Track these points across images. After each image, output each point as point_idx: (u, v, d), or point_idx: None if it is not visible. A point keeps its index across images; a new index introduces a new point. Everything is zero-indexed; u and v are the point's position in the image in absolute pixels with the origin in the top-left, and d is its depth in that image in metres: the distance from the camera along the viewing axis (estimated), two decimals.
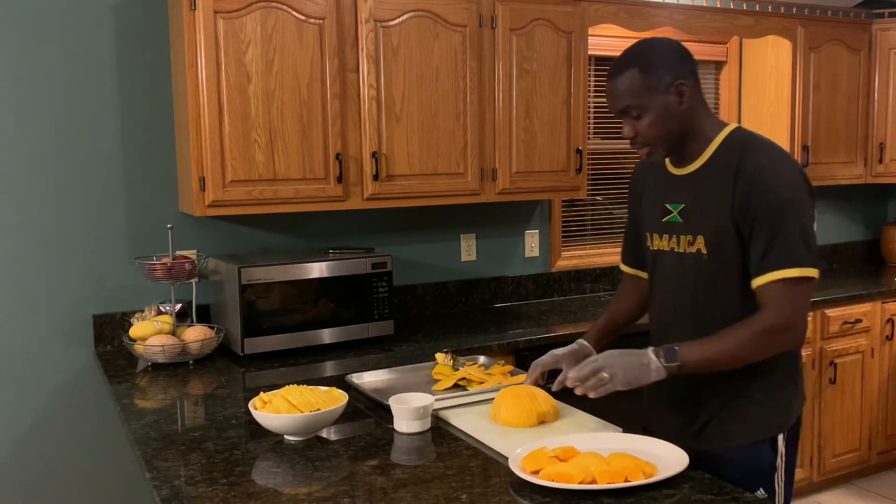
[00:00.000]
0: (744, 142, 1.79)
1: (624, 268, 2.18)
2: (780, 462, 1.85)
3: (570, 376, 1.76)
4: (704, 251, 1.81)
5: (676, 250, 1.88)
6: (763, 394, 1.83)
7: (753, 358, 1.74)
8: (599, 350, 2.01)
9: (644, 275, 2.08)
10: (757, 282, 1.72)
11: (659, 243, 1.93)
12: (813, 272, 1.70)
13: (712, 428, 1.87)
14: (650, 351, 1.74)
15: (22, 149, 2.78)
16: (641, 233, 2.02)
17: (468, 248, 3.56)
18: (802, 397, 1.91)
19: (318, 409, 1.85)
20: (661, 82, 1.74)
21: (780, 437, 1.85)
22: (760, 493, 1.82)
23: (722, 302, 1.82)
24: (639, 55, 1.77)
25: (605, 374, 1.71)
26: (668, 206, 1.89)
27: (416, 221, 3.44)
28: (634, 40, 4.10)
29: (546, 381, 2.02)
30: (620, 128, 3.95)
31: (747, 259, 1.75)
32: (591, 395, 1.74)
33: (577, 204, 3.90)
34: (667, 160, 1.91)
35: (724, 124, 1.84)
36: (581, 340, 2.08)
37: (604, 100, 3.91)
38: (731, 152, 1.78)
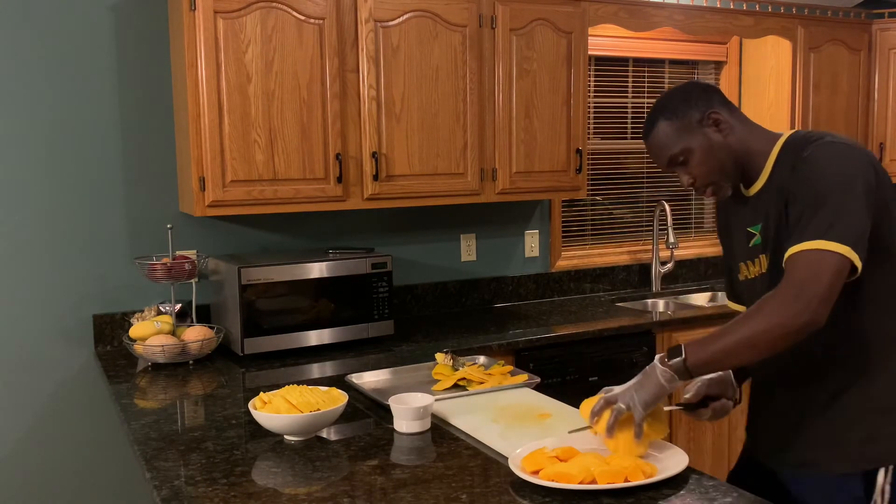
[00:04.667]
0: (798, 143, 1.68)
1: (728, 303, 1.99)
2: (878, 502, 1.61)
3: (589, 416, 1.66)
4: (767, 268, 1.70)
5: (762, 272, 1.75)
6: (858, 420, 1.63)
7: (768, 340, 1.52)
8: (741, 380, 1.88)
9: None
10: (785, 256, 1.56)
11: (753, 269, 1.79)
12: (840, 247, 1.50)
13: (796, 450, 1.71)
14: (656, 358, 1.62)
15: (22, 149, 2.78)
16: (734, 266, 1.87)
17: (468, 248, 3.56)
18: None
19: (318, 409, 1.84)
20: (693, 119, 1.70)
21: (882, 471, 1.61)
22: None
23: None
24: (661, 107, 1.73)
25: (621, 406, 1.60)
26: (749, 230, 1.77)
27: (416, 221, 3.43)
28: (634, 40, 4.12)
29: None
30: (621, 128, 3.95)
31: None
32: (634, 429, 1.60)
33: (577, 204, 3.90)
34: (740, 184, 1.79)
35: (779, 135, 1.74)
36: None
37: (604, 99, 3.93)
38: (787, 157, 1.68)
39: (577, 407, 1.97)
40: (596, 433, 1.66)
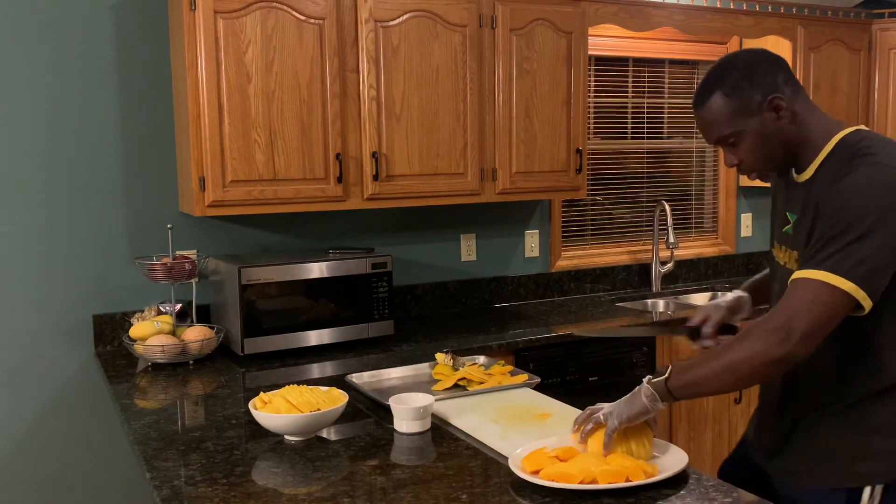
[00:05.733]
0: (852, 149, 1.56)
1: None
2: None
3: (575, 426, 1.68)
4: (795, 269, 1.58)
5: (787, 266, 1.69)
6: (853, 436, 1.60)
7: (747, 369, 1.49)
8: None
9: None
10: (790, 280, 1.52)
11: (779, 254, 1.74)
12: (844, 283, 1.44)
13: (786, 457, 1.70)
14: (644, 380, 1.61)
15: (22, 149, 2.78)
16: (772, 241, 1.81)
17: (468, 248, 3.56)
18: None
19: (318, 409, 1.85)
20: (753, 102, 1.57)
21: (867, 490, 1.58)
22: None
23: None
24: (720, 76, 1.59)
25: (600, 415, 1.62)
26: (788, 214, 1.69)
27: (416, 221, 3.43)
28: (634, 40, 4.12)
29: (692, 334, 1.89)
30: (621, 128, 3.95)
31: None
32: (591, 439, 1.62)
33: (577, 204, 3.90)
34: None
35: (840, 127, 1.63)
36: (739, 292, 1.90)
37: (604, 99, 3.93)
38: (836, 161, 1.57)
39: (577, 407, 1.98)
40: (573, 440, 1.69)
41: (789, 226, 1.69)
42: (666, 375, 1.58)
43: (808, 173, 1.63)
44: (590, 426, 1.64)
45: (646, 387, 1.59)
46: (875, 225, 1.45)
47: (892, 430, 1.59)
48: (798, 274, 1.50)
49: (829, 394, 1.63)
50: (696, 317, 1.89)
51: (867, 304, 1.47)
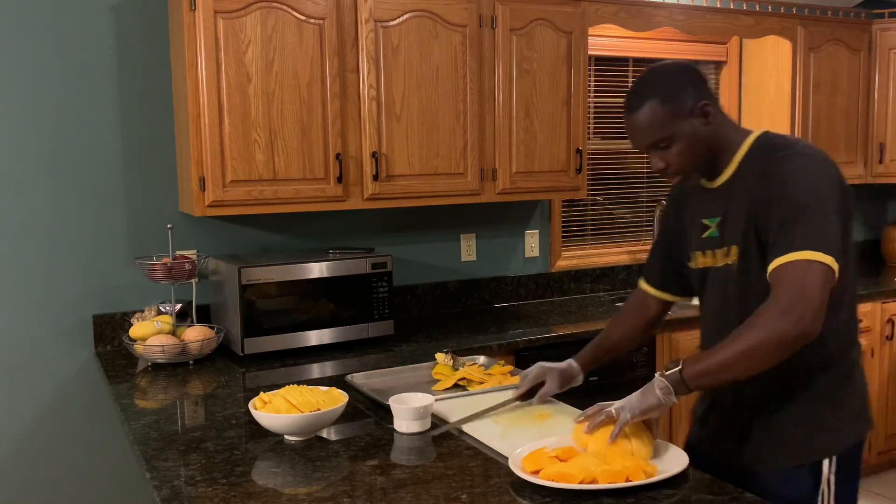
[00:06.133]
0: (769, 146, 1.71)
1: (645, 286, 2.05)
2: (825, 491, 1.70)
3: (583, 420, 1.69)
4: (736, 261, 1.73)
5: (716, 265, 1.80)
6: (806, 413, 1.71)
7: (762, 350, 1.53)
8: (587, 372, 2.03)
9: (667, 297, 2.01)
10: (770, 267, 1.59)
11: (703, 260, 1.84)
12: (826, 258, 1.53)
13: (750, 446, 1.77)
14: (657, 374, 1.64)
15: (22, 148, 2.78)
16: (682, 252, 1.91)
17: (468, 248, 3.56)
18: (865, 422, 1.76)
19: (318, 409, 1.84)
20: (685, 107, 1.68)
21: (825, 462, 1.70)
22: None
23: None
24: (655, 83, 1.70)
25: (611, 410, 1.63)
26: (704, 221, 1.82)
27: (416, 221, 3.43)
28: (634, 40, 4.11)
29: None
30: (621, 128, 3.94)
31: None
32: (591, 439, 1.64)
33: (577, 204, 3.90)
34: None
35: (750, 131, 1.77)
36: (571, 361, 2.03)
37: (604, 100, 3.92)
38: (757, 158, 1.71)
39: (577, 407, 1.98)
40: (576, 433, 1.70)
41: (711, 229, 1.79)
42: (679, 367, 1.60)
43: (727, 175, 1.76)
44: (601, 418, 1.64)
45: (659, 380, 1.61)
46: (824, 202, 1.59)
47: (836, 400, 1.71)
48: (780, 260, 1.56)
49: (780, 378, 1.69)
50: (527, 382, 2.00)
51: (836, 276, 1.56)
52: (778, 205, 1.61)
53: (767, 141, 1.73)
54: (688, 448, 1.75)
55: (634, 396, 1.64)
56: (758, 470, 1.74)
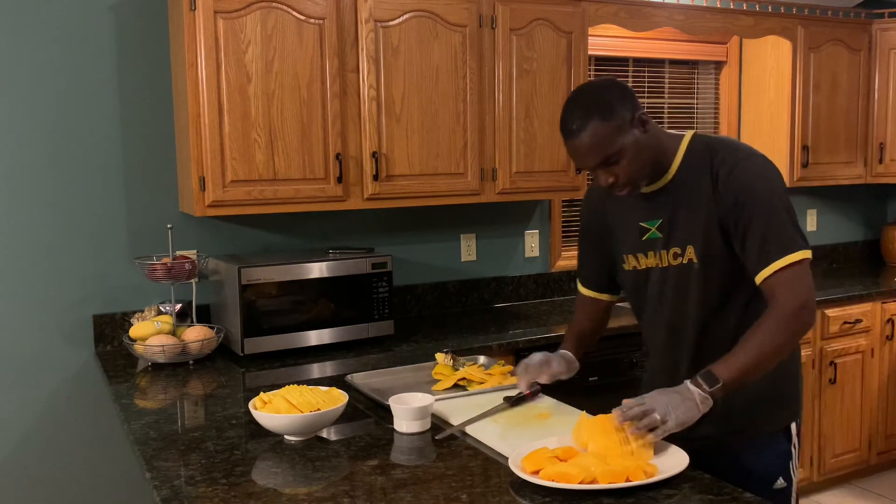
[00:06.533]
0: (709, 146, 1.80)
1: (584, 290, 2.13)
2: (795, 450, 1.93)
3: (619, 415, 1.66)
4: (695, 260, 1.81)
5: (661, 265, 1.88)
6: (773, 388, 1.87)
7: (787, 348, 1.73)
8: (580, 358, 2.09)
9: (605, 297, 2.11)
10: (762, 275, 1.72)
11: (644, 261, 1.91)
12: (808, 253, 1.73)
13: (730, 421, 1.86)
14: (689, 384, 1.66)
15: (22, 149, 2.78)
16: (612, 256, 2.00)
17: (468, 248, 3.56)
18: (801, 390, 2.00)
19: (318, 409, 1.85)
20: (625, 120, 1.72)
21: (794, 425, 1.92)
22: (780, 482, 1.88)
23: (725, 307, 1.83)
24: (590, 104, 1.72)
25: (657, 416, 1.62)
26: (643, 224, 1.88)
27: (416, 221, 3.44)
28: (634, 40, 4.11)
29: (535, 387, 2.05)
30: None
31: (738, 260, 1.77)
32: (650, 438, 1.63)
33: (578, 204, 3.89)
34: None
35: (681, 134, 1.85)
36: (562, 350, 2.08)
37: None
38: (699, 158, 1.79)
39: (577, 407, 1.98)
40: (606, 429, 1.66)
41: (651, 231, 1.87)
42: (720, 383, 1.65)
43: (666, 178, 1.83)
44: (645, 422, 1.62)
45: (697, 392, 1.65)
46: (785, 197, 1.75)
47: (790, 375, 1.91)
48: (779, 263, 1.70)
49: None
50: (522, 384, 2.04)
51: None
52: (750, 208, 1.73)
53: (705, 142, 1.82)
54: None
55: (678, 407, 1.63)
56: (737, 440, 1.89)
